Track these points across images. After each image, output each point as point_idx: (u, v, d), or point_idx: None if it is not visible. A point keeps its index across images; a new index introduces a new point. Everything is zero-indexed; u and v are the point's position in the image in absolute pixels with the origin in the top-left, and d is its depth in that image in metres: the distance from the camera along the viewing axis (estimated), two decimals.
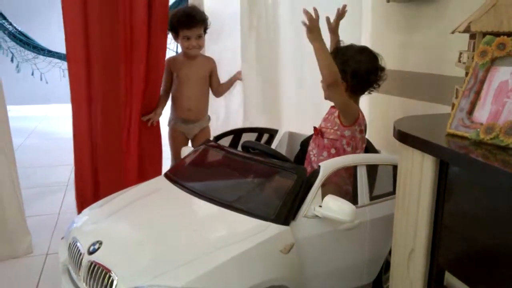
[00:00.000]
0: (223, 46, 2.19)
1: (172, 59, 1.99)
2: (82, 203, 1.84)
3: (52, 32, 4.63)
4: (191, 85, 1.96)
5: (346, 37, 2.07)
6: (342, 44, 1.48)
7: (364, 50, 1.42)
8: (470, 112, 0.96)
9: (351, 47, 1.44)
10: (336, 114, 1.39)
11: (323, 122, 1.45)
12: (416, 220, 1.00)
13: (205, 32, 1.94)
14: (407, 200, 1.03)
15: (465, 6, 1.19)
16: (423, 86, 1.75)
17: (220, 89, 2.09)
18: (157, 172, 1.92)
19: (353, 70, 1.37)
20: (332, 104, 1.43)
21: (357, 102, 1.45)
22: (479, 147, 0.88)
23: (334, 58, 1.37)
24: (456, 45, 1.23)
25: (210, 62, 2.03)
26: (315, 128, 1.46)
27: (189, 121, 2.00)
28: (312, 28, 1.22)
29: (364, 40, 2.14)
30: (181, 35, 1.88)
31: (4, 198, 1.70)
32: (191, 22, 1.85)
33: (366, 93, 1.45)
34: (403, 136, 1.02)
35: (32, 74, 4.08)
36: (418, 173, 0.98)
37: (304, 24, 1.21)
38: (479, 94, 0.96)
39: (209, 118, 2.09)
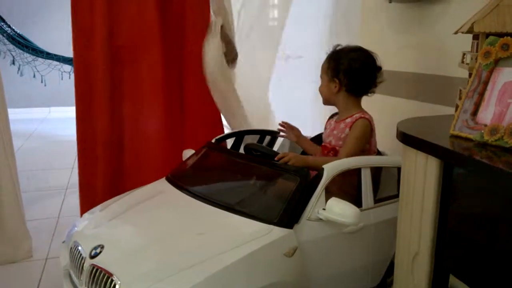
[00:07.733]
0: None
1: None
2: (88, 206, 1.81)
3: (51, 35, 4.63)
4: None
5: (345, 39, 2.07)
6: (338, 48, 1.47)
7: (358, 49, 1.41)
8: (474, 113, 0.95)
9: (345, 47, 1.43)
10: (347, 132, 1.38)
11: (333, 140, 1.42)
12: (420, 223, 0.99)
13: None
14: (411, 203, 1.02)
15: (468, 7, 1.18)
16: (426, 87, 1.74)
17: None
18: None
19: (346, 68, 1.37)
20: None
21: (358, 103, 1.43)
22: (484, 149, 0.87)
23: (329, 60, 1.38)
24: (460, 45, 1.23)
25: None
26: (324, 146, 1.44)
27: None
28: (293, 162, 1.25)
29: (365, 40, 2.13)
30: None
31: (4, 201, 1.69)
32: None
33: (367, 95, 1.44)
34: (406, 138, 1.01)
35: (34, 76, 4.07)
36: (422, 175, 0.97)
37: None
38: (483, 95, 0.95)
39: None
